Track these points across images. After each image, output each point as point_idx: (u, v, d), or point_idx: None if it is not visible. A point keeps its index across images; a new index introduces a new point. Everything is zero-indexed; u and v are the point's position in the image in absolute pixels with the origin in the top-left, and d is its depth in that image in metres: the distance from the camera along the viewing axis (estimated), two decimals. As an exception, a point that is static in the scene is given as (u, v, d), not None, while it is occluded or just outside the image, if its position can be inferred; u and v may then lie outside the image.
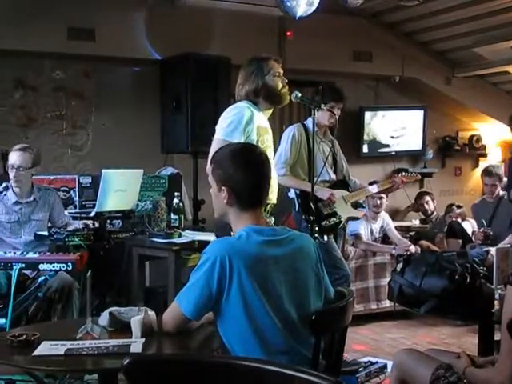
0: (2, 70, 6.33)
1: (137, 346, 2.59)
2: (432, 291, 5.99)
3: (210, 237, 4.75)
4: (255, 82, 4.07)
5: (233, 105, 4.11)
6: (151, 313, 2.78)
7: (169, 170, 6.49)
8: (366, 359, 5.05)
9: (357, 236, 6.62)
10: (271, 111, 4.24)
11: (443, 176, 8.79)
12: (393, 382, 3.06)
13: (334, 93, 5.18)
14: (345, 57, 7.60)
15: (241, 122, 3.91)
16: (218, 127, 4.00)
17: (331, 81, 6.74)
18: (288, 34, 7.11)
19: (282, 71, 4.15)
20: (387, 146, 8.32)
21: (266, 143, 4.07)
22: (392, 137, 8.31)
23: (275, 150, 4.71)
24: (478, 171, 8.67)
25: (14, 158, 4.95)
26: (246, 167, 2.67)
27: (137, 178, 5.23)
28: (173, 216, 5.35)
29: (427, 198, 8.02)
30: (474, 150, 8.94)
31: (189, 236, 5.17)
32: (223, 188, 2.67)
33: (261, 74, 4.08)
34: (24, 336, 2.72)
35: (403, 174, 5.83)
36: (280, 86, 4.11)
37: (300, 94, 4.30)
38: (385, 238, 6.93)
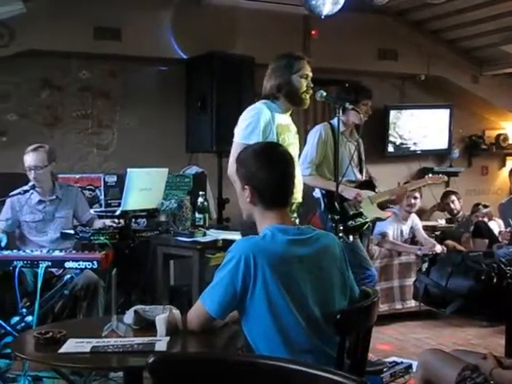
0: (29, 69, 6.39)
1: (162, 344, 2.60)
2: (458, 291, 5.96)
3: (234, 236, 4.76)
4: (281, 77, 4.04)
5: (250, 106, 4.09)
6: (176, 311, 2.78)
7: (193, 169, 6.51)
8: (390, 359, 5.03)
9: (383, 235, 6.58)
10: (290, 111, 4.22)
11: (469, 175, 8.72)
12: (418, 382, 3.05)
13: (362, 90, 5.16)
14: (370, 55, 7.56)
15: (258, 124, 3.89)
16: (236, 130, 3.98)
17: (356, 79, 6.71)
18: (313, 32, 7.09)
19: (310, 74, 4.12)
20: (412, 145, 8.26)
21: (288, 141, 4.03)
22: (417, 136, 8.26)
23: (301, 149, 4.69)
24: (505, 170, 8.62)
25: (29, 159, 4.99)
26: (268, 165, 2.67)
27: (162, 176, 5.25)
28: (197, 215, 5.37)
29: (453, 197, 7.95)
30: (501, 149, 8.85)
31: (213, 235, 5.19)
32: (246, 187, 2.69)
33: (288, 72, 4.05)
34: (50, 333, 2.74)
35: (430, 175, 5.79)
36: (304, 88, 4.07)
37: (325, 93, 4.26)
38: (412, 238, 6.89)
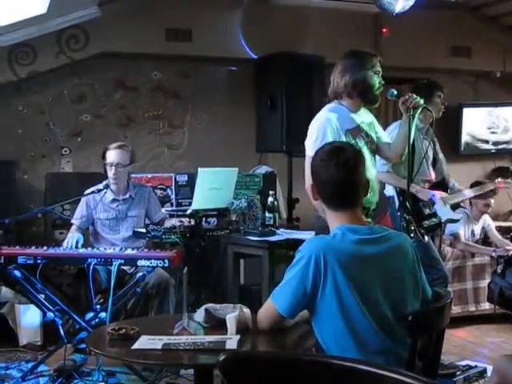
0: (103, 71, 6.52)
1: (232, 342, 2.61)
2: (535, 294, 5.85)
3: (304, 235, 4.76)
4: (356, 74, 3.97)
5: (317, 115, 4.04)
6: (246, 310, 2.80)
7: (263, 169, 6.52)
8: (464, 363, 4.94)
9: (456, 236, 6.45)
10: (361, 107, 4.14)
11: (547, 175, 8.47)
12: (492, 387, 2.98)
13: (433, 84, 5.09)
14: (443, 52, 7.43)
15: (325, 135, 3.86)
16: (306, 143, 3.98)
17: (428, 77, 6.59)
18: (384, 30, 7.00)
19: (380, 71, 4.08)
20: (487, 143, 8.08)
21: (359, 145, 3.96)
22: (493, 133, 8.08)
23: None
24: None
25: (113, 156, 5.08)
26: (330, 168, 2.66)
27: (232, 176, 5.27)
28: (267, 214, 5.38)
29: None
30: None
31: (283, 234, 5.20)
32: (312, 184, 2.74)
33: (364, 68, 3.98)
34: (124, 330, 2.79)
35: (499, 179, 5.67)
36: (377, 85, 4.03)
37: (396, 92, 4.15)
38: (484, 239, 6.74)
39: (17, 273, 4.70)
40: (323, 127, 3.90)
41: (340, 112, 3.98)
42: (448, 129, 7.43)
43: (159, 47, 6.41)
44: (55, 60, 6.20)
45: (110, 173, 5.08)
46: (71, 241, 4.93)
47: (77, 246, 4.88)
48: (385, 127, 4.95)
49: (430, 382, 1.81)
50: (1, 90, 6.18)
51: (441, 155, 5.24)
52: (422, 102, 4.04)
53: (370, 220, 3.88)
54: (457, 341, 5.71)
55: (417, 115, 4.09)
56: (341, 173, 2.66)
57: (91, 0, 5.68)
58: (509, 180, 5.68)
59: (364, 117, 4.12)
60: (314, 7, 6.62)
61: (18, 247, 4.82)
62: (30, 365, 4.95)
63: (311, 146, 3.88)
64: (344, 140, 3.87)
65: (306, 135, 3.99)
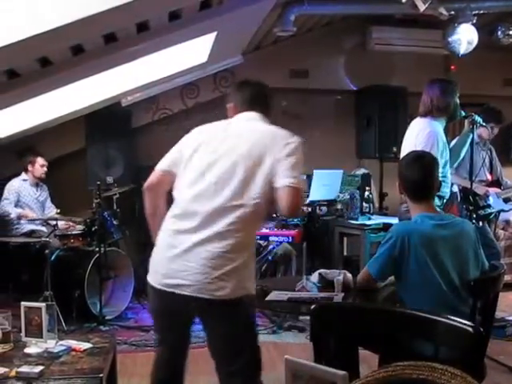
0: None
1: (338, 298, 2.62)
2: None
3: (391, 220, 4.68)
4: (451, 99, 3.68)
5: (422, 128, 3.66)
6: (349, 275, 2.80)
7: (361, 171, 6.43)
8: (512, 317, 4.74)
9: (507, 222, 6.16)
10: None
11: None
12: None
13: (495, 115, 4.85)
14: (497, 83, 7.07)
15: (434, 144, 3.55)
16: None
17: (485, 102, 6.29)
18: (452, 67, 6.74)
19: None
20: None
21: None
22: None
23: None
24: None
25: None
26: (410, 170, 2.59)
27: (338, 176, 5.26)
28: (364, 204, 5.32)
29: None
30: None
31: (376, 219, 5.13)
32: (399, 181, 2.66)
33: (455, 95, 3.72)
34: (259, 286, 2.82)
35: None
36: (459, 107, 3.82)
37: (464, 113, 3.99)
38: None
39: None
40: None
41: (437, 124, 3.67)
42: (502, 140, 7.06)
43: (285, 82, 6.43)
44: (212, 94, 6.35)
45: None
46: None
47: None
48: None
49: (474, 326, 1.77)
50: (175, 115, 6.39)
51: (496, 160, 5.01)
52: (480, 120, 3.90)
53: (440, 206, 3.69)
54: (507, 301, 5.44)
55: (475, 128, 3.93)
56: (414, 174, 2.58)
57: (237, 51, 5.79)
58: None
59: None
60: (398, 51, 6.44)
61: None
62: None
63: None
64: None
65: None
